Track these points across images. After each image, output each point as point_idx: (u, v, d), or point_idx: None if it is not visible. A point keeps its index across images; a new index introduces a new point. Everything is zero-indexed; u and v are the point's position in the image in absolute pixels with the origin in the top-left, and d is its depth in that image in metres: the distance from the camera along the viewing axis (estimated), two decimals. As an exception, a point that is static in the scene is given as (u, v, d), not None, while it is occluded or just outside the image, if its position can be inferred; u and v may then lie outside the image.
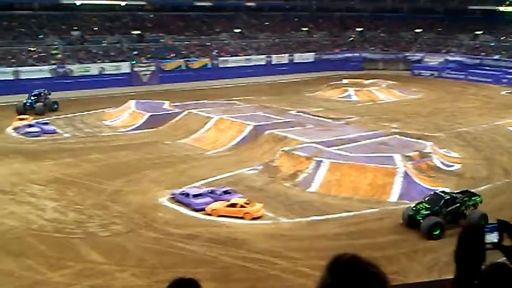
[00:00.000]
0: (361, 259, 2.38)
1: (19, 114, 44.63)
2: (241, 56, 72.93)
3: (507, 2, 77.45)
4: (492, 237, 3.03)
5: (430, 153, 33.84)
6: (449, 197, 25.37)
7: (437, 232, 23.60)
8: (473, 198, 25.81)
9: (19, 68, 57.30)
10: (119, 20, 72.52)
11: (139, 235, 23.80)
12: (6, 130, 41.75)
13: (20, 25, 65.32)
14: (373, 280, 2.34)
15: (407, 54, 79.82)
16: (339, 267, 2.36)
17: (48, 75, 58.46)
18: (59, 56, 61.83)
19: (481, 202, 25.82)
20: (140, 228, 24.54)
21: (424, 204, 25.08)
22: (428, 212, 24.37)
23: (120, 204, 27.23)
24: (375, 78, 65.52)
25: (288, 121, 41.67)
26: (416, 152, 33.28)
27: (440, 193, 25.89)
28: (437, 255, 21.33)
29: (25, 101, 47.29)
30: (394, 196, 28.20)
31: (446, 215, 24.52)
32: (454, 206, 24.98)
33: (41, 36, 64.53)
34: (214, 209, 26.16)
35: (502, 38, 75.70)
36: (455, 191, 26.76)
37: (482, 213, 24.25)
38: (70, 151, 36.50)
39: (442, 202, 24.90)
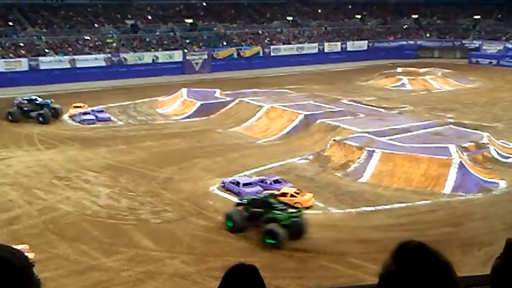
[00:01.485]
0: (428, 246, 2.29)
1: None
2: (293, 44, 72.53)
3: None
4: None
5: (487, 144, 32.85)
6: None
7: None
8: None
9: (75, 57, 58.63)
10: (172, 8, 73.16)
11: (189, 223, 24.02)
12: (63, 118, 42.79)
13: (76, 14, 66.77)
14: (440, 268, 2.26)
15: (464, 41, 77.74)
16: (405, 254, 2.27)
17: (103, 64, 59.67)
18: (114, 45, 62.95)
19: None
20: (190, 215, 24.76)
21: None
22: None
23: (172, 192, 27.53)
24: (430, 67, 64.10)
25: (340, 110, 41.24)
26: (472, 143, 32.36)
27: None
28: (491, 249, 20.69)
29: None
30: (448, 188, 27.51)
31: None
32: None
33: (97, 25, 65.78)
34: (264, 198, 26.08)
35: None
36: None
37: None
38: (124, 139, 37.18)
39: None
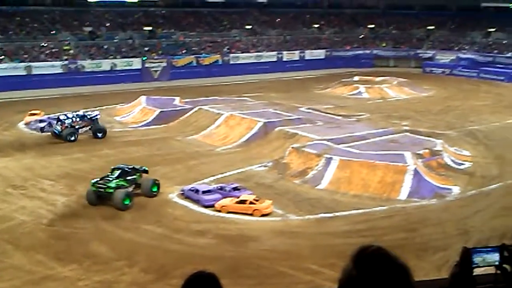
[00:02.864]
0: (387, 251, 2.39)
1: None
2: (252, 52, 72.91)
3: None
4: (493, 258, 3.03)
5: (440, 151, 33.65)
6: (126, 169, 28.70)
7: (127, 202, 26.56)
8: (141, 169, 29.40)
9: (32, 64, 57.64)
10: (131, 16, 72.70)
11: (148, 231, 23.88)
12: (18, 125, 41.98)
13: (32, 20, 65.67)
14: (398, 272, 2.35)
15: (418, 51, 79.45)
16: (365, 259, 2.36)
17: (60, 71, 58.84)
18: (71, 52, 62.13)
19: (146, 171, 29.43)
20: (149, 223, 24.63)
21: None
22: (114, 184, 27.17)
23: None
24: (386, 75, 65.16)
25: (298, 118, 41.62)
26: (427, 150, 33.09)
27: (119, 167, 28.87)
28: (445, 253, 21.21)
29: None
30: (403, 194, 28.05)
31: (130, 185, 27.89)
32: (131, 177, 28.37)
33: (54, 32, 64.83)
34: (224, 206, 26.19)
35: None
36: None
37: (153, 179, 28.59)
38: (81, 147, 36.73)
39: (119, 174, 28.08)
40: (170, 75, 64.55)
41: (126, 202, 26.48)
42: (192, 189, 27.81)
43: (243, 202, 26.00)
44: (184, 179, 30.15)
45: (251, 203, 25.86)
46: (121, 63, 62.77)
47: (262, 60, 72.56)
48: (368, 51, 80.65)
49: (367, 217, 25.69)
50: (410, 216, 25.80)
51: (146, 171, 29.54)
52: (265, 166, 32.86)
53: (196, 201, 26.98)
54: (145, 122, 43.35)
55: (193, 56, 68.00)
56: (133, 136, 40.13)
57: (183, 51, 68.42)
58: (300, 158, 32.35)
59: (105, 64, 61.86)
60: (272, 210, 26.07)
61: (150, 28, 70.51)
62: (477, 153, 35.86)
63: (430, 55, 77.86)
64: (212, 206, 26.46)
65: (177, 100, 48.13)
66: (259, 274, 20.46)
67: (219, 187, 28.10)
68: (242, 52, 72.20)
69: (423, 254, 21.73)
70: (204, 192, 27.29)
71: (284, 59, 74.51)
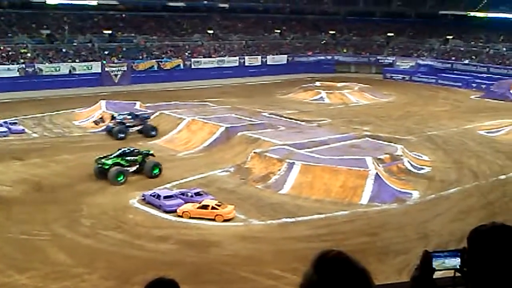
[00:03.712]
0: (347, 255, 2.37)
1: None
2: (214, 57, 72.70)
3: (478, 8, 78.65)
4: (453, 261, 3.02)
5: (401, 156, 34.10)
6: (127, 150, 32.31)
7: (121, 179, 30.19)
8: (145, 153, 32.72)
9: (-13, 67, 56.24)
10: (90, 19, 71.64)
11: (108, 237, 23.48)
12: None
13: (-12, 23, 64.15)
14: (359, 276, 2.34)
15: (379, 57, 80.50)
16: (325, 264, 2.34)
17: (17, 74, 57.54)
18: (28, 55, 60.84)
19: (153, 155, 32.72)
20: (109, 229, 24.21)
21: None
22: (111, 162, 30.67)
23: (90, 206, 26.82)
24: (347, 81, 65.85)
25: (261, 123, 41.64)
26: (387, 155, 33.50)
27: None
28: (406, 257, 21.44)
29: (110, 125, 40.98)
30: (365, 199, 28.29)
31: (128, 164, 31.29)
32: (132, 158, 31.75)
33: (10, 35, 63.40)
34: (185, 211, 25.96)
35: (472, 42, 76.90)
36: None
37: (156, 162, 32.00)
38: (39, 152, 35.82)
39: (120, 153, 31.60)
40: (131, 79, 63.80)
41: (119, 179, 30.05)
42: (154, 194, 27.49)
43: (205, 207, 25.82)
44: (145, 184, 29.77)
45: (213, 208, 25.70)
46: (80, 67, 61.74)
47: (224, 65, 72.41)
48: (329, 57, 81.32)
49: (329, 222, 25.80)
50: (371, 221, 26.04)
51: (151, 155, 32.69)
52: (227, 171, 32.72)
53: (158, 207, 26.67)
54: (105, 127, 42.65)
55: (154, 61, 67.40)
56: (93, 141, 39.40)
57: (144, 55, 67.76)
58: (262, 163, 32.33)
59: (64, 68, 60.72)
60: (234, 215, 25.96)
61: (110, 31, 69.53)
62: (436, 158, 36.47)
63: (390, 61, 78.96)
64: (174, 211, 26.20)
65: (138, 105, 47.58)
66: (221, 279, 20.32)
67: (181, 192, 27.87)
68: (204, 57, 71.90)
69: (384, 258, 21.94)
70: (165, 197, 27.00)
71: (246, 64, 74.51)
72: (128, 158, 31.60)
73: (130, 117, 41.09)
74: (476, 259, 2.59)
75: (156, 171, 31.46)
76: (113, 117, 40.91)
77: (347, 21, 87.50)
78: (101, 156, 31.38)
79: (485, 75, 68.25)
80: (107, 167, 30.42)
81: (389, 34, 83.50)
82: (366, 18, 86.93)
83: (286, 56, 78.68)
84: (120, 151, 31.97)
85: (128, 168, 31.20)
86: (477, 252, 2.59)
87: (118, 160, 31.04)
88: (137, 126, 40.87)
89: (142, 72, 65.24)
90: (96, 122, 41.75)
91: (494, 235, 2.58)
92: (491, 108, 54.65)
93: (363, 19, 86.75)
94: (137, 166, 31.72)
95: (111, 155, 31.50)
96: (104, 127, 42.00)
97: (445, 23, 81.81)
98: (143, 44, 69.99)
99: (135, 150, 32.60)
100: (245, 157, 33.83)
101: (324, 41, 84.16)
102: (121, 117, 40.89)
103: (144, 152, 32.66)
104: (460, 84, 67.72)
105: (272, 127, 41.01)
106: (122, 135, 39.32)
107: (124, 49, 67.70)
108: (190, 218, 25.71)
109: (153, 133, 40.48)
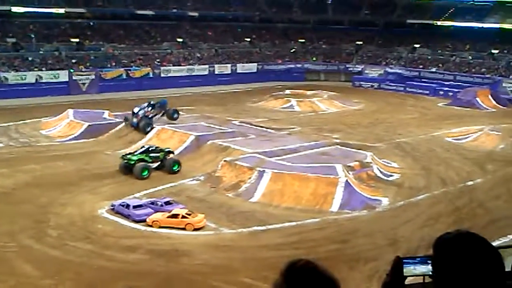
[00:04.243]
0: (315, 264, 2.40)
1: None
2: (184, 65, 72.43)
3: (444, 17, 80.00)
4: (423, 267, 3.03)
5: (370, 163, 34.32)
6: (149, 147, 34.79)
7: (145, 173, 32.50)
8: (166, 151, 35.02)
9: (-49, 76, 55.02)
10: (57, 27, 70.72)
11: (76, 248, 23.04)
12: None
13: (-48, 30, 62.85)
14: (328, 285, 2.36)
15: (348, 65, 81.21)
16: (294, 273, 2.36)
17: (-18, 83, 56.46)
18: (-6, 63, 59.78)
19: (173, 153, 35.28)
20: (77, 240, 23.77)
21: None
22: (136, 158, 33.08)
23: (57, 216, 26.34)
24: (317, 89, 66.19)
25: (231, 131, 41.51)
26: (357, 162, 33.67)
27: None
28: (376, 264, 21.54)
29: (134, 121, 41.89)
30: (335, 206, 28.37)
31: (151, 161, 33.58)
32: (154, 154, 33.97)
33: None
34: (155, 220, 25.67)
35: (439, 51, 78.13)
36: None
37: (176, 159, 34.57)
38: (4, 162, 35.05)
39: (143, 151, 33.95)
40: (99, 88, 63.09)
41: (144, 174, 32.50)
42: (123, 204, 27.12)
43: (175, 216, 25.59)
44: (114, 194, 29.40)
45: (183, 217, 25.49)
46: (47, 75, 60.77)
47: (193, 73, 72.16)
48: (299, 65, 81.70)
49: (299, 229, 25.78)
50: (341, 228, 26.10)
51: (171, 152, 35.29)
52: (197, 180, 32.54)
53: (127, 216, 26.32)
54: (72, 136, 42.04)
55: (122, 69, 66.75)
56: (60, 150, 38.78)
57: (113, 64, 67.12)
58: (232, 171, 32.22)
59: (30, 77, 59.70)
60: (205, 224, 25.77)
61: (77, 40, 68.70)
62: (405, 164, 36.81)
63: (359, 69, 79.71)
64: (144, 221, 25.89)
65: (106, 114, 47.02)
66: (192, 289, 20.11)
67: (150, 202, 27.58)
68: (174, 65, 71.59)
69: (355, 265, 22.00)
70: (135, 206, 26.67)
71: (216, 73, 74.40)
72: (152, 155, 33.88)
73: (150, 108, 42.78)
74: (442, 266, 2.61)
75: (176, 167, 33.92)
76: (134, 113, 41.97)
77: (316, 30, 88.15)
78: (127, 153, 34.49)
79: (452, 83, 69.33)
80: (132, 162, 32.86)
81: (358, 42, 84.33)
82: (335, 26, 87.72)
83: (256, 64, 78.79)
84: (144, 148, 34.64)
85: (151, 164, 33.38)
86: (443, 260, 2.61)
87: (142, 157, 33.41)
88: (159, 114, 43.49)
89: (111, 81, 64.59)
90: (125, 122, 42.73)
91: (458, 243, 2.59)
92: (458, 115, 55.52)
93: (332, 27, 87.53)
94: (159, 162, 33.92)
95: (136, 151, 34.23)
96: (76, 134, 41.95)
97: (412, 32, 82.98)
98: (111, 52, 69.35)
99: (158, 148, 34.97)
100: (215, 166, 33.68)
101: (294, 49, 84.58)
102: (142, 111, 42.17)
103: (166, 150, 35.00)
104: (427, 92, 68.68)
105: (242, 135, 40.91)
106: (149, 129, 41.20)
107: (92, 57, 66.96)
108: (160, 227, 25.42)
109: (176, 115, 44.07)
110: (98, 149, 39.02)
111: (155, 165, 33.66)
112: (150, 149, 34.55)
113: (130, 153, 34.22)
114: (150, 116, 42.23)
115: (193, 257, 22.64)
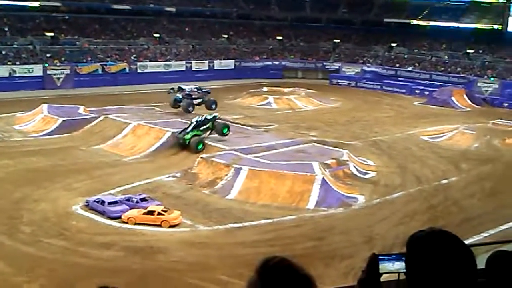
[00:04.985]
0: (290, 261, 2.41)
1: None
2: (161, 61, 71.97)
3: (420, 16, 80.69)
4: (398, 266, 3.05)
5: (346, 161, 34.46)
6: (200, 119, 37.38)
7: (200, 147, 35.38)
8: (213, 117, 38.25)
9: None
10: (31, 20, 69.61)
11: (50, 244, 22.73)
12: None
13: None
14: (302, 283, 2.37)
15: (325, 63, 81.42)
16: (268, 270, 2.37)
17: (-47, 77, 55.42)
18: (-34, 56, 58.72)
19: (219, 118, 39.00)
20: (51, 237, 23.46)
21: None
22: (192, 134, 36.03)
23: (30, 212, 25.96)
24: (294, 87, 66.33)
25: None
26: (334, 160, 33.80)
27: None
28: (352, 261, 21.63)
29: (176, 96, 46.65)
30: (312, 203, 28.44)
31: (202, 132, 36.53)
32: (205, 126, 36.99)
33: None
34: (131, 217, 25.45)
35: (415, 50, 78.76)
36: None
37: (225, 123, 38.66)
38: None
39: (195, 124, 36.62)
40: (74, 83, 62.32)
41: (199, 147, 35.39)
42: (97, 200, 26.84)
43: (151, 213, 25.41)
44: (89, 190, 29.04)
45: (159, 214, 25.31)
46: (20, 70, 59.87)
47: (170, 69, 71.68)
48: (276, 62, 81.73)
49: (276, 227, 25.80)
50: (318, 225, 26.18)
51: (218, 118, 38.66)
52: (173, 177, 32.33)
53: (102, 213, 26.06)
54: (47, 131, 41.45)
55: (98, 64, 66.03)
56: (34, 145, 38.23)
57: (88, 59, 66.37)
58: (209, 168, 32.11)
59: (3, 71, 58.73)
60: (181, 221, 25.63)
61: (52, 34, 67.74)
62: (381, 162, 37.05)
63: (336, 67, 79.96)
64: (119, 217, 25.64)
65: (81, 109, 46.47)
66: (168, 286, 20.00)
67: (126, 198, 27.33)
68: (150, 61, 71.09)
69: (331, 262, 22.08)
70: (110, 203, 26.42)
71: (193, 69, 73.98)
72: (202, 128, 36.64)
73: (196, 90, 46.08)
74: (414, 264, 2.63)
75: (225, 130, 37.73)
76: (180, 89, 45.05)
77: (294, 27, 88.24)
78: (180, 130, 36.86)
79: (428, 82, 69.99)
80: (188, 141, 35.59)
81: (335, 40, 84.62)
82: (313, 24, 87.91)
83: (233, 61, 78.61)
84: (194, 123, 36.60)
85: (204, 135, 36.39)
86: (415, 258, 2.63)
87: (195, 132, 36.16)
88: (199, 99, 47.06)
89: (86, 76, 63.87)
90: (169, 92, 46.25)
91: (431, 241, 2.62)
92: (433, 114, 56.04)
93: (310, 25, 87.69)
94: (210, 131, 37.13)
95: (188, 128, 36.45)
96: (51, 129, 41.46)
97: (389, 30, 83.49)
98: (87, 47, 68.56)
99: (205, 119, 37.32)
100: (192, 163, 33.54)
101: (271, 46, 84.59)
102: (189, 89, 45.74)
103: (212, 117, 37.90)
104: (404, 90, 69.20)
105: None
106: (190, 109, 45.13)
107: (67, 52, 66.10)
108: (135, 224, 25.22)
109: (214, 106, 46.75)
110: (72, 144, 38.55)
111: (207, 133, 36.77)
112: (199, 122, 36.82)
113: (182, 131, 36.46)
114: (193, 97, 45.53)
115: (169, 254, 22.50)
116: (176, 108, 46.31)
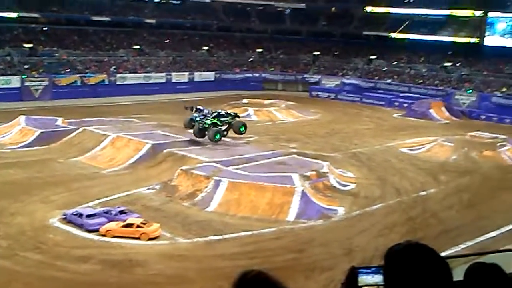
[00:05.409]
0: (267, 275, 2.41)
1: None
2: (140, 73, 71.69)
3: (399, 30, 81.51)
4: (377, 278, 3.05)
5: (326, 173, 34.49)
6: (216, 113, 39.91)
7: (218, 137, 38.64)
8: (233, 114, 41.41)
9: None
10: (9, 32, 68.96)
11: (26, 258, 22.38)
12: None
13: None
14: None
15: (305, 75, 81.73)
16: (246, 284, 2.37)
17: None
18: None
19: (238, 116, 42.30)
20: (27, 250, 23.10)
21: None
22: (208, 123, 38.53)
23: (6, 226, 25.57)
24: (274, 99, 66.45)
25: (188, 140, 41.15)
26: (314, 172, 33.80)
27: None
28: (332, 273, 21.59)
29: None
30: (291, 215, 28.38)
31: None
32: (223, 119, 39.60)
33: None
34: (109, 230, 25.17)
35: (394, 63, 79.48)
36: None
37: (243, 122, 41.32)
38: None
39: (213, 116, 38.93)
40: (53, 95, 61.79)
41: (217, 137, 38.31)
42: (75, 213, 26.52)
43: (129, 225, 25.15)
44: (66, 203, 28.68)
45: (138, 226, 25.07)
46: (-2, 81, 59.33)
47: (150, 81, 71.42)
48: (257, 74, 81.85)
49: (255, 239, 25.70)
50: (298, 237, 26.11)
51: (238, 116, 41.97)
52: (153, 189, 32.10)
53: (80, 226, 25.74)
54: (24, 143, 40.96)
55: (77, 75, 65.56)
56: (11, 157, 37.71)
57: (67, 70, 65.86)
58: (189, 180, 31.93)
59: (-19, 82, 58.22)
60: (160, 234, 25.40)
61: (30, 45, 67.23)
62: (361, 174, 37.15)
63: (316, 79, 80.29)
64: (97, 230, 25.35)
65: (59, 121, 46.04)
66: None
67: (104, 211, 27.03)
68: (130, 72, 70.77)
69: (311, 274, 22.01)
70: (88, 216, 26.10)
71: (173, 81, 73.79)
72: (222, 119, 39.27)
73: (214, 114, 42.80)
74: (393, 278, 2.65)
75: (242, 129, 40.51)
76: (199, 110, 42.25)
77: (274, 39, 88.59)
78: (197, 115, 39.75)
79: (406, 94, 70.49)
80: (207, 126, 38.55)
81: (315, 53, 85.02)
82: (293, 36, 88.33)
83: (213, 73, 78.56)
84: (216, 113, 39.70)
85: (221, 127, 39.01)
86: (393, 271, 2.66)
87: (215, 121, 38.79)
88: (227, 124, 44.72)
89: (65, 87, 63.35)
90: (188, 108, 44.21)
91: (408, 254, 2.65)
92: (412, 126, 56.44)
93: (290, 37, 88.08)
94: (227, 125, 39.84)
95: (208, 115, 39.16)
96: (28, 141, 41.11)
97: (368, 43, 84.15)
98: (66, 58, 68.07)
99: (226, 112, 40.73)
100: (171, 175, 33.32)
101: (252, 58, 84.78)
102: (207, 110, 42.13)
103: (233, 113, 41.08)
104: (383, 102, 69.62)
105: (199, 144, 40.61)
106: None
107: (45, 63, 65.58)
108: (114, 237, 24.94)
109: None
110: (50, 156, 38.13)
111: (224, 127, 39.31)
112: (220, 113, 39.43)
113: (203, 116, 38.77)
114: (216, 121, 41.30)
115: (148, 267, 22.26)
116: (190, 129, 41.19)
